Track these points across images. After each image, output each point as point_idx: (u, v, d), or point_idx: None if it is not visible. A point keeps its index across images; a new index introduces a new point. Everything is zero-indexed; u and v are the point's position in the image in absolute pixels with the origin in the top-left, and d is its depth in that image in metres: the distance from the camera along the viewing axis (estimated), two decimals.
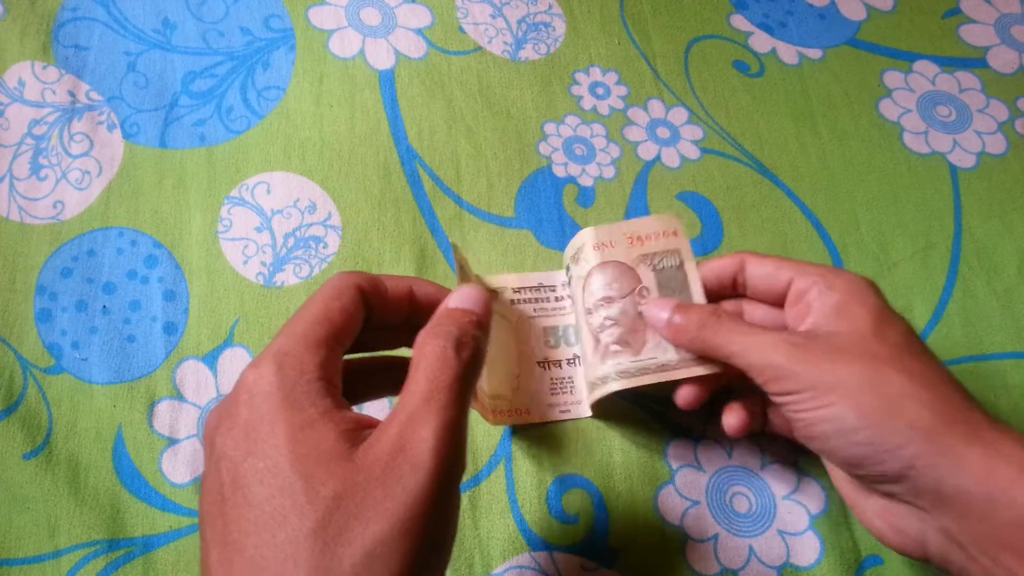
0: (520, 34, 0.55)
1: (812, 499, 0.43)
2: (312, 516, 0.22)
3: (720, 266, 0.37)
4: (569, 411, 0.41)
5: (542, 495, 0.42)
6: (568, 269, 0.41)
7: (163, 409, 0.42)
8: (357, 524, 0.22)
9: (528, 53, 0.55)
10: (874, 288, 0.34)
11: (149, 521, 0.40)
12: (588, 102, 0.53)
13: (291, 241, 0.47)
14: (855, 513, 0.36)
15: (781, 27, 0.58)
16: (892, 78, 0.56)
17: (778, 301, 0.36)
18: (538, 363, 0.41)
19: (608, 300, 0.38)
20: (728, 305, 0.39)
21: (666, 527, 0.42)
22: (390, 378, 0.32)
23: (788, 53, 0.57)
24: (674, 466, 0.43)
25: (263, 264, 0.46)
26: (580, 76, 0.54)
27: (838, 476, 0.36)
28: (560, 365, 0.41)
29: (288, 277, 0.46)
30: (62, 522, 0.40)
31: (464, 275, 0.38)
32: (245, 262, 0.46)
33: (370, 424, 0.25)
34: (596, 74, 0.55)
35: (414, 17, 0.55)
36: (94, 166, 0.48)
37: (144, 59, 0.51)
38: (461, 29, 0.55)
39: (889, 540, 0.33)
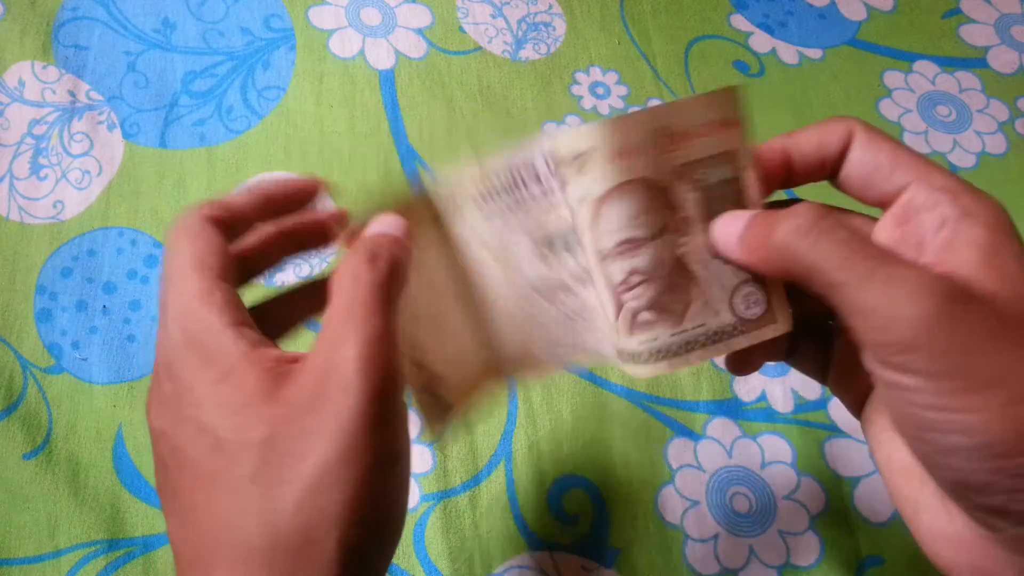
0: (520, 34, 0.55)
1: (812, 499, 0.43)
2: (248, 463, 0.21)
3: (822, 135, 0.24)
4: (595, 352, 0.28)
5: (542, 495, 0.42)
6: (554, 171, 0.25)
7: None
8: (293, 460, 0.21)
9: (528, 53, 0.55)
10: (1012, 222, 0.22)
11: (149, 521, 0.40)
12: (588, 102, 0.53)
13: None
14: (917, 533, 0.24)
15: (781, 27, 0.58)
16: (892, 78, 0.56)
17: (874, 203, 0.25)
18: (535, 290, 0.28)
19: (633, 244, 0.25)
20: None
21: (666, 527, 0.42)
22: (311, 300, 0.31)
23: (788, 53, 0.57)
24: (674, 466, 0.43)
25: None
26: (580, 76, 0.54)
27: (910, 480, 0.24)
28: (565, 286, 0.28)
29: (288, 277, 0.46)
30: (62, 522, 0.40)
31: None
32: None
33: (294, 359, 0.24)
34: (596, 74, 0.55)
35: (414, 17, 0.55)
36: (94, 166, 0.48)
37: (144, 59, 0.51)
38: (461, 29, 0.55)
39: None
